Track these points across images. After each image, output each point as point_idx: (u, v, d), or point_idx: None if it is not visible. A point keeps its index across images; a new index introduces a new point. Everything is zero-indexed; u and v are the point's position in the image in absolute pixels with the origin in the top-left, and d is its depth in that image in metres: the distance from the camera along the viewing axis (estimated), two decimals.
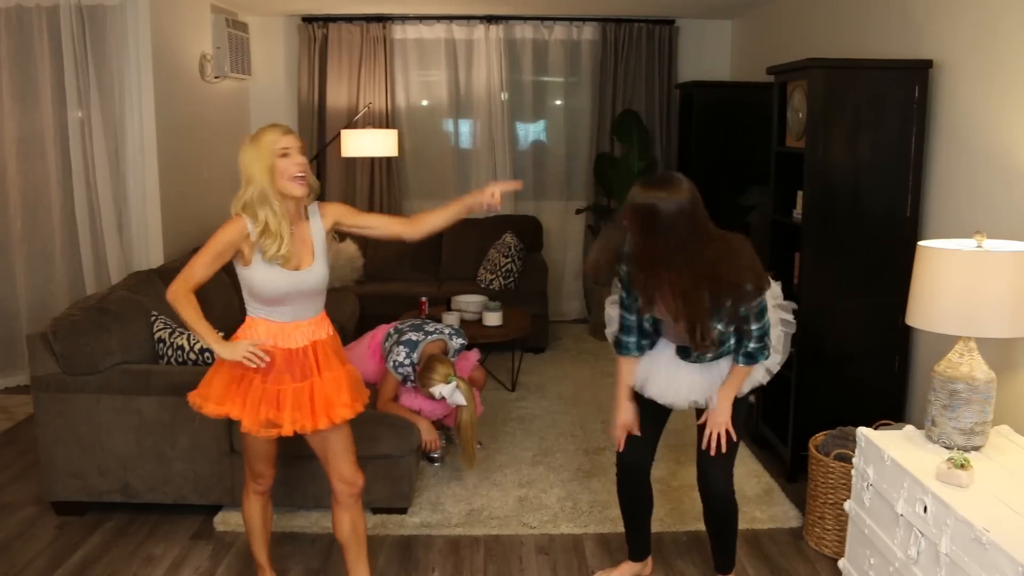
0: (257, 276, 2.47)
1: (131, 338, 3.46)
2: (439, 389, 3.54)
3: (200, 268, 2.47)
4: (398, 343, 3.75)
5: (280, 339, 2.52)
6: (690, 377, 2.65)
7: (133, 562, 3.14)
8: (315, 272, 2.54)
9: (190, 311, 2.46)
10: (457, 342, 3.87)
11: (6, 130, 4.82)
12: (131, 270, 4.79)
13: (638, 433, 2.71)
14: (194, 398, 2.56)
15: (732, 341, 2.55)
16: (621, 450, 2.74)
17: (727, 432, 2.62)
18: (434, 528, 3.39)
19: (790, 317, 2.77)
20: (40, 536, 3.33)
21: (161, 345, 3.52)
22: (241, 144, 2.47)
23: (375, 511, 3.44)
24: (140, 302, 3.66)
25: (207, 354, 3.43)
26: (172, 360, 3.48)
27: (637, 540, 2.98)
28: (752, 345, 2.53)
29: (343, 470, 2.65)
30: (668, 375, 2.66)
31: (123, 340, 3.41)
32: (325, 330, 2.62)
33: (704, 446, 2.65)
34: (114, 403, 3.32)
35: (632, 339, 2.65)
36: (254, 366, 2.44)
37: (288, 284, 2.48)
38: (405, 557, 3.19)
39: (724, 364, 2.63)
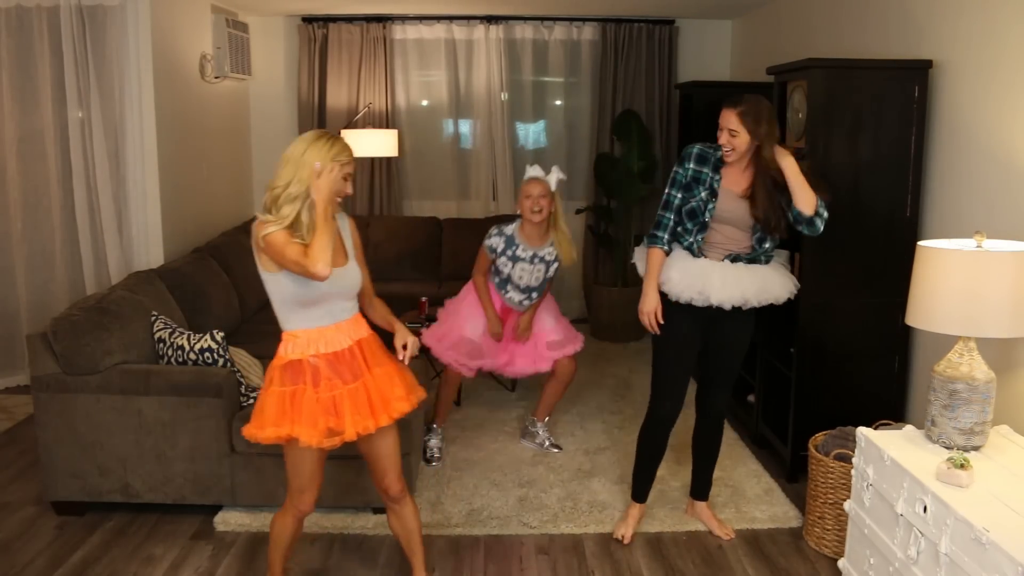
0: (295, 278, 2.41)
1: (131, 338, 3.46)
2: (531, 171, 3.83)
3: (293, 250, 2.34)
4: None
5: (322, 344, 2.49)
6: (742, 275, 2.99)
7: (133, 562, 3.14)
8: (350, 270, 2.53)
9: (314, 238, 2.34)
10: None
11: (6, 130, 4.82)
12: (131, 270, 4.79)
13: (661, 321, 3.07)
14: (250, 431, 2.50)
15: (769, 244, 3.01)
16: (658, 333, 3.10)
17: (737, 358, 3.18)
18: (434, 528, 3.39)
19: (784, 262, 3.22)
20: (40, 536, 3.33)
21: (161, 345, 3.52)
22: (301, 138, 2.42)
23: (375, 511, 3.44)
24: (140, 302, 3.66)
25: (207, 354, 3.43)
26: (172, 360, 3.48)
27: (646, 483, 3.33)
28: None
29: (382, 476, 2.66)
30: (723, 278, 2.97)
31: (123, 340, 3.41)
32: (364, 328, 2.61)
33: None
34: (114, 403, 3.32)
35: (665, 235, 3.05)
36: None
37: (330, 283, 2.44)
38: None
39: (765, 269, 3.04)
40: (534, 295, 3.96)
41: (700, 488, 3.40)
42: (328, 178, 2.39)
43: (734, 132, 2.87)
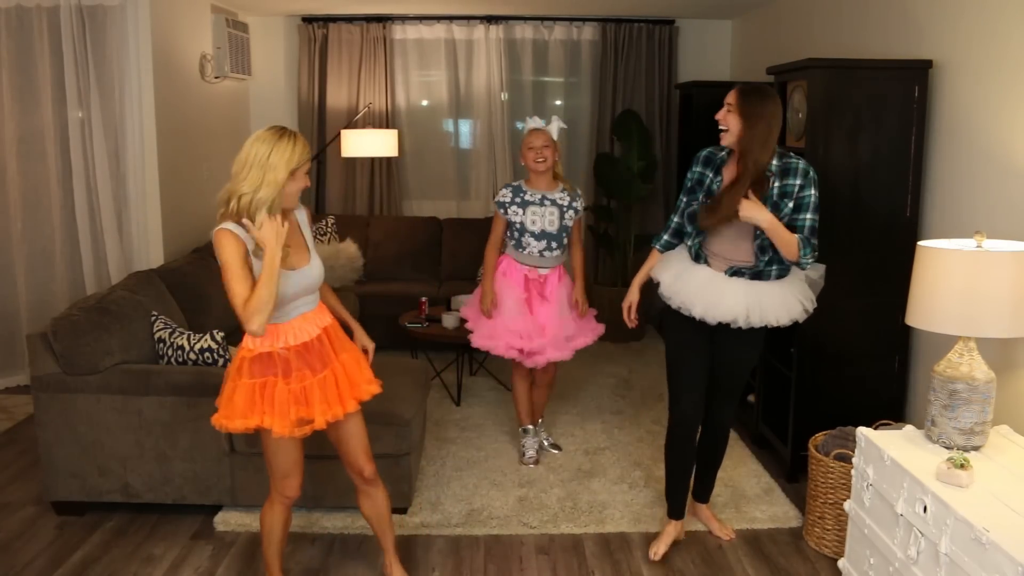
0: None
1: (131, 338, 3.46)
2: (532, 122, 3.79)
3: (239, 287, 2.35)
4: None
5: (291, 336, 2.51)
6: (735, 291, 2.85)
7: (133, 562, 3.14)
8: (314, 267, 2.57)
9: (258, 287, 2.34)
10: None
11: (6, 130, 4.82)
12: (131, 270, 4.79)
13: (635, 319, 3.14)
14: (218, 420, 2.51)
15: (771, 256, 2.83)
16: (634, 327, 3.15)
17: (739, 374, 3.06)
18: (434, 528, 3.39)
19: (815, 275, 3.01)
20: (40, 536, 3.33)
21: (161, 345, 3.52)
22: (260, 138, 2.39)
23: None
24: (140, 302, 3.65)
25: (207, 354, 3.43)
26: (172, 360, 3.48)
27: (681, 497, 3.19)
28: (805, 234, 2.79)
29: (354, 459, 2.69)
30: (717, 292, 2.87)
31: (123, 340, 3.41)
32: (328, 315, 2.66)
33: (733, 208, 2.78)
34: (114, 403, 3.32)
35: (664, 235, 3.08)
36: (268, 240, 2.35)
37: (296, 285, 2.49)
38: (405, 557, 3.19)
39: (767, 287, 2.88)
40: (555, 246, 3.79)
41: (701, 491, 3.36)
42: (279, 177, 2.38)
43: (730, 107, 2.78)
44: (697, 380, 3.05)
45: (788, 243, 2.74)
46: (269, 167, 2.37)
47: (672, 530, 3.21)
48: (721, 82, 6.23)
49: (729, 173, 2.87)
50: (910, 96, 3.51)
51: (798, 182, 2.78)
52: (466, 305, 4.06)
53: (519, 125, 6.71)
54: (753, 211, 2.71)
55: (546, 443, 4.15)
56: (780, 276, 2.90)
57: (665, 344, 3.13)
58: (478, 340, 3.85)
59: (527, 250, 3.81)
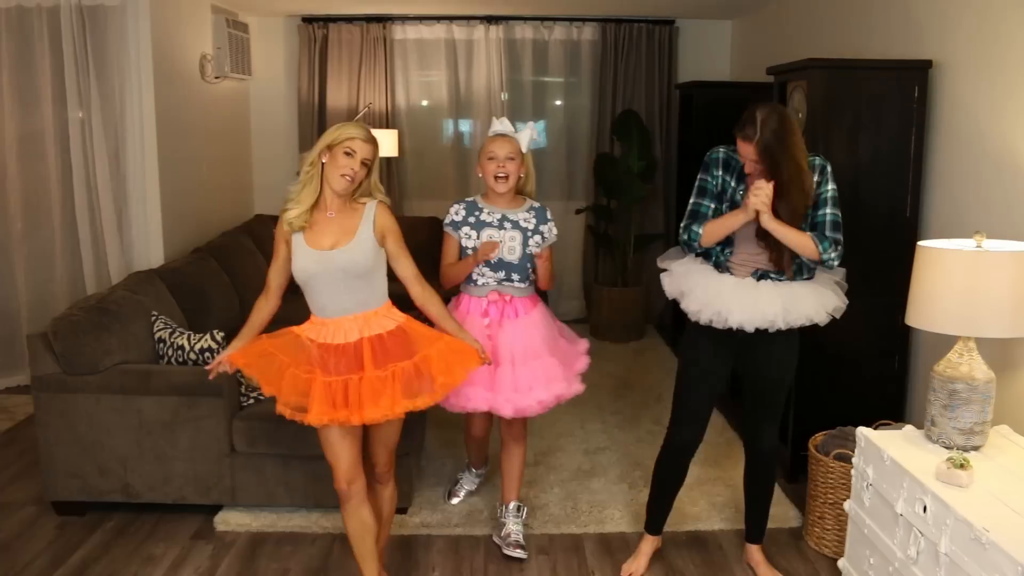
0: (293, 259, 2.53)
1: (131, 338, 3.46)
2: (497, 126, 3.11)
3: (270, 273, 2.61)
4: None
5: (322, 335, 2.51)
6: (768, 292, 2.71)
7: (133, 562, 3.14)
8: (346, 252, 2.50)
9: (251, 317, 2.64)
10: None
11: (6, 130, 4.81)
12: (131, 270, 4.78)
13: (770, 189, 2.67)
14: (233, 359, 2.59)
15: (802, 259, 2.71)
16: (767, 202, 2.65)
17: (781, 388, 2.88)
18: (434, 528, 3.39)
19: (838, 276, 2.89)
20: (40, 536, 3.33)
21: (161, 345, 3.52)
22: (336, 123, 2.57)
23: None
24: (140, 302, 3.66)
25: (207, 354, 3.43)
26: (172, 360, 3.48)
27: (661, 514, 3.11)
28: (828, 231, 2.70)
29: (375, 450, 2.71)
30: (740, 298, 2.70)
31: (123, 340, 3.41)
32: (383, 324, 2.55)
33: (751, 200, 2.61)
34: (114, 403, 3.32)
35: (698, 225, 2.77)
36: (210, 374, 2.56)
37: (315, 264, 2.48)
38: (405, 557, 3.19)
39: (797, 285, 2.74)
40: (516, 278, 3.06)
41: (751, 530, 3.11)
42: (324, 143, 2.52)
43: (756, 162, 2.60)
44: (706, 409, 2.92)
45: (800, 243, 2.64)
46: (323, 136, 2.54)
47: (648, 547, 3.12)
48: (721, 82, 6.25)
49: (752, 179, 2.71)
50: (910, 96, 3.51)
51: (815, 179, 2.71)
52: None
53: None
54: (770, 224, 2.62)
55: (514, 532, 3.21)
56: (808, 278, 2.80)
57: (681, 360, 2.96)
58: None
59: (481, 281, 3.07)
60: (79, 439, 3.35)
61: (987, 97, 3.17)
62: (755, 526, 3.11)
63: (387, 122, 6.47)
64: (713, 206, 2.77)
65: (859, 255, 3.59)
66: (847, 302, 2.84)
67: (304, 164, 2.53)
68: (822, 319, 2.76)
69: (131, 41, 4.76)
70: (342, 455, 2.57)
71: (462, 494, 3.62)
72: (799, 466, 3.70)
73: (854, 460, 2.73)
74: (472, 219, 3.07)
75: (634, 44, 6.42)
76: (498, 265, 3.03)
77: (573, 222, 6.68)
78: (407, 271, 2.68)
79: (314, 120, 6.49)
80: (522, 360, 3.02)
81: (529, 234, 3.05)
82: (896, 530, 2.42)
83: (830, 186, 2.73)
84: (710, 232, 2.72)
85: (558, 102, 6.75)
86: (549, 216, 3.13)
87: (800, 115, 3.70)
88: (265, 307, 2.65)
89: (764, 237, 2.69)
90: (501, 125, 3.11)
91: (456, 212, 3.10)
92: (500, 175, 3.01)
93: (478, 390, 2.97)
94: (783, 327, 2.72)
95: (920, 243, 2.59)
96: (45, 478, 3.42)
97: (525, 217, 3.07)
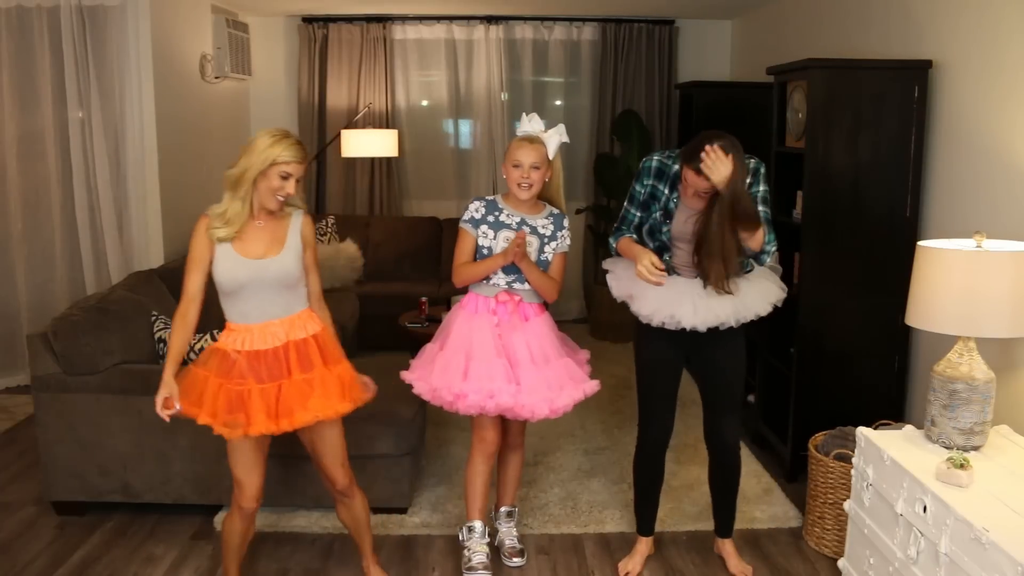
0: (217, 265, 2.48)
1: (131, 338, 3.46)
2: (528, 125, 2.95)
3: (186, 281, 2.52)
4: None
5: (247, 341, 2.50)
6: (719, 297, 2.75)
7: (133, 562, 3.14)
8: (276, 261, 2.50)
9: (173, 339, 2.52)
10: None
11: (6, 130, 4.82)
12: (131, 270, 4.79)
13: (661, 266, 2.70)
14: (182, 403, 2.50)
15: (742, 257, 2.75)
16: (663, 284, 2.71)
17: (736, 383, 2.96)
18: (434, 528, 3.39)
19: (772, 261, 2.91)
20: (40, 536, 3.33)
21: (161, 345, 3.52)
22: (260, 134, 2.47)
23: (375, 511, 3.43)
24: (140, 302, 3.66)
25: None
26: None
27: (649, 514, 3.13)
28: (761, 207, 2.72)
29: (327, 470, 2.69)
30: (694, 301, 2.76)
31: (123, 340, 3.41)
32: (305, 329, 2.57)
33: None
34: (114, 403, 3.32)
35: (629, 233, 2.90)
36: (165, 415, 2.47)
37: (247, 273, 2.46)
38: (405, 557, 3.19)
39: (743, 283, 2.78)
40: (526, 280, 2.96)
41: (721, 524, 3.16)
42: (257, 167, 2.44)
43: (706, 192, 2.64)
44: (670, 403, 2.99)
45: (755, 234, 2.67)
46: (252, 150, 2.44)
47: (644, 547, 3.13)
48: (721, 82, 6.25)
49: (693, 202, 2.74)
50: (910, 96, 3.51)
51: (748, 180, 2.72)
52: (418, 358, 3.09)
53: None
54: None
55: (508, 540, 3.20)
56: (748, 271, 2.85)
57: (637, 362, 2.99)
58: (408, 377, 3.02)
59: (492, 281, 2.97)
60: (79, 439, 3.35)
61: (987, 97, 3.17)
62: (725, 521, 3.15)
63: (387, 122, 6.47)
64: (640, 214, 2.86)
65: (859, 255, 3.60)
66: (787, 289, 2.91)
67: (232, 183, 2.45)
68: (767, 311, 2.84)
69: (131, 41, 4.76)
70: (255, 470, 2.59)
71: (483, 557, 3.08)
72: (799, 466, 3.70)
73: (854, 460, 2.73)
74: (491, 218, 2.97)
75: (634, 44, 6.43)
76: (511, 267, 2.94)
77: (573, 222, 6.60)
78: (316, 287, 2.67)
79: (314, 120, 6.49)
80: (543, 360, 2.94)
81: (546, 240, 2.98)
82: (896, 530, 2.42)
83: (762, 187, 2.77)
84: (628, 249, 2.84)
85: (558, 102, 6.76)
86: (566, 224, 3.04)
87: (800, 115, 3.70)
88: (186, 324, 2.52)
89: (699, 253, 2.73)
90: (531, 124, 2.95)
91: (476, 209, 2.98)
92: (524, 184, 2.90)
93: (504, 385, 2.86)
94: (735, 325, 2.80)
95: (920, 243, 2.59)
96: (45, 478, 3.42)
97: (544, 223, 2.99)
